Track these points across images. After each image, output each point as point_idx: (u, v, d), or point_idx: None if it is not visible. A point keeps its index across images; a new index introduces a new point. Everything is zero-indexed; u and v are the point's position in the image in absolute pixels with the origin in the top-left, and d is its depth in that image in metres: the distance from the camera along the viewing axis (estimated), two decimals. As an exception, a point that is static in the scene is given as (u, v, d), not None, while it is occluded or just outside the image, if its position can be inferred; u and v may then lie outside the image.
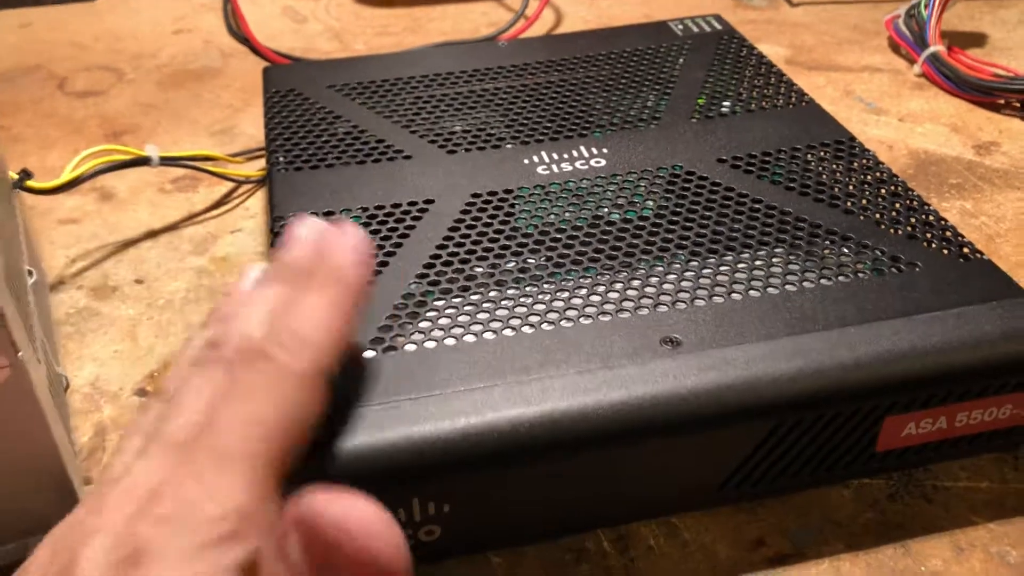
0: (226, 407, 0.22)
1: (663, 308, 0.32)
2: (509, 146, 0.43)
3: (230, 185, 0.51)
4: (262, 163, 0.52)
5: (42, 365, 0.31)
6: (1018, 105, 0.56)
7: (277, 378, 0.23)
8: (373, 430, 0.28)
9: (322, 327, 0.24)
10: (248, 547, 0.20)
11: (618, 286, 0.34)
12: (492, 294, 0.34)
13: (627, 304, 0.33)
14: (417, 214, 0.38)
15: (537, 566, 0.31)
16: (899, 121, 0.56)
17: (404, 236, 0.37)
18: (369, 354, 0.31)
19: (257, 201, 0.50)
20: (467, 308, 0.33)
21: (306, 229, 0.26)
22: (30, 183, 0.41)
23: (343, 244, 0.26)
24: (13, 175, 0.40)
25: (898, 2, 0.66)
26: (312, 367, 0.24)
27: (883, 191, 0.39)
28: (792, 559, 0.31)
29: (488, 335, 0.32)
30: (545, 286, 0.34)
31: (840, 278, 0.34)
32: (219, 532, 0.20)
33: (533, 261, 0.35)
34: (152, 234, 0.48)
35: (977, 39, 0.65)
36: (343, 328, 0.25)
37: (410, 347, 0.31)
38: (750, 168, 0.40)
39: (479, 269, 0.35)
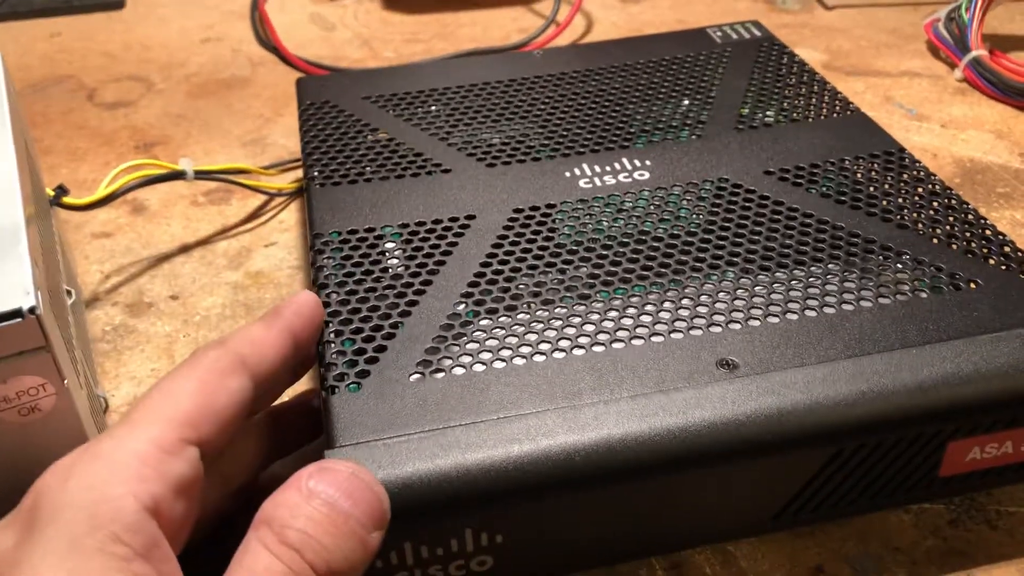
0: None
1: (717, 328, 0.32)
2: (549, 159, 0.42)
3: (263, 197, 0.51)
4: (295, 175, 0.52)
5: (83, 388, 0.31)
6: (1064, 111, 0.55)
7: None
8: (423, 458, 0.27)
9: None
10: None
11: (669, 305, 0.33)
12: (540, 313, 0.33)
13: (680, 324, 0.32)
14: (459, 230, 0.37)
15: (589, 595, 0.30)
16: (941, 127, 0.55)
17: (447, 253, 0.36)
18: (416, 377, 0.30)
19: (291, 213, 0.50)
20: (515, 328, 0.32)
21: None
22: (66, 199, 0.40)
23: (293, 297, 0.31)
24: (49, 192, 0.39)
25: (936, 4, 0.65)
26: None
27: (936, 204, 0.38)
28: (852, 588, 0.30)
29: (538, 357, 0.31)
30: (594, 305, 0.33)
31: (898, 296, 0.33)
32: None
33: (579, 278, 0.34)
34: (186, 248, 0.47)
35: (1019, 42, 0.64)
36: (278, 346, 0.29)
37: (458, 370, 0.30)
38: (798, 180, 0.39)
39: (524, 287, 0.34)
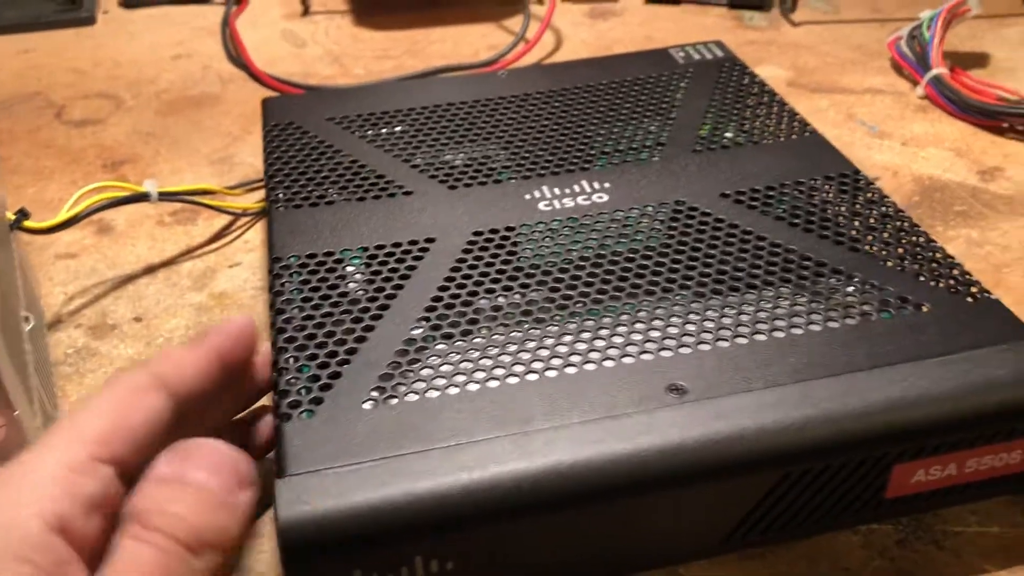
0: None
1: (667, 353, 0.32)
2: (511, 180, 0.43)
3: (229, 217, 0.51)
4: (261, 194, 0.52)
5: (37, 415, 0.31)
6: (1022, 129, 0.56)
7: None
8: (374, 486, 0.27)
9: None
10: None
11: (622, 329, 0.33)
12: (496, 337, 0.33)
13: (631, 349, 0.32)
14: (418, 253, 0.38)
15: (542, 618, 0.30)
16: (902, 145, 0.56)
17: (405, 277, 0.36)
18: (369, 405, 0.30)
19: (256, 233, 0.50)
20: (470, 353, 0.32)
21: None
22: (28, 223, 0.40)
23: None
24: (10, 215, 0.40)
25: (901, 22, 0.66)
26: None
27: (889, 227, 0.38)
28: (801, 609, 0.30)
29: (492, 383, 0.31)
30: (548, 328, 0.33)
31: (847, 320, 0.33)
32: None
33: (536, 301, 0.35)
34: (151, 269, 0.47)
35: (980, 59, 0.65)
36: (201, 365, 0.29)
37: (412, 397, 0.31)
38: (753, 203, 0.40)
39: (482, 311, 0.35)
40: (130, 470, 0.25)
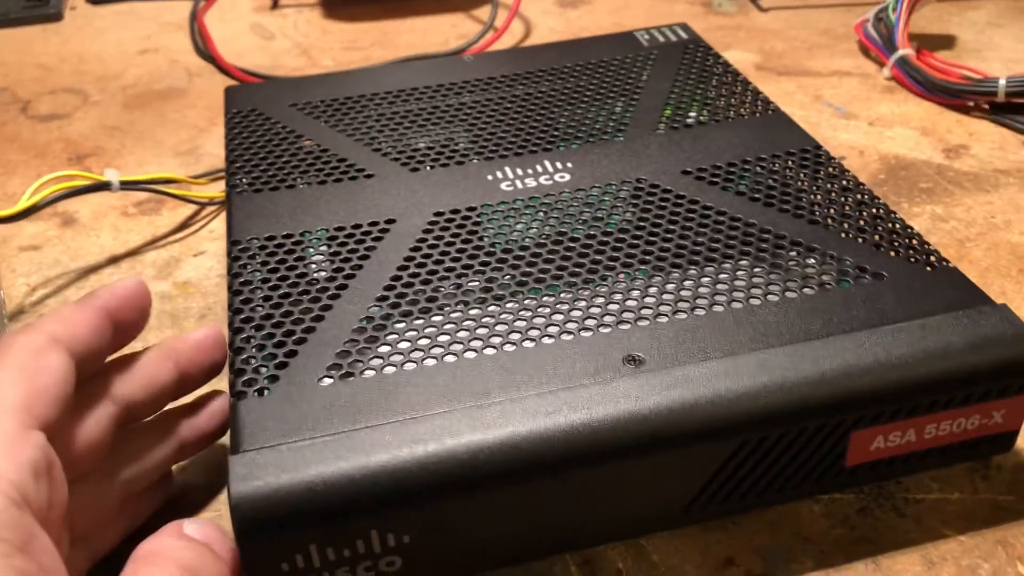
0: None
1: (625, 326, 0.32)
2: (473, 162, 0.42)
3: (194, 207, 0.50)
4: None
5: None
6: (987, 107, 0.56)
7: None
8: (327, 460, 0.27)
9: None
10: None
11: (581, 304, 0.33)
12: (455, 315, 0.33)
13: (589, 322, 0.32)
14: (378, 235, 0.38)
15: (503, 593, 0.30)
16: (869, 125, 0.56)
17: (364, 258, 0.36)
18: (326, 382, 0.30)
19: (221, 223, 0.50)
20: (428, 330, 0.32)
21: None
22: (-16, 212, 0.40)
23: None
24: (-34, 204, 0.39)
25: (869, 5, 0.66)
26: None
27: (849, 200, 0.39)
28: (762, 578, 0.30)
29: (449, 358, 0.31)
30: (508, 305, 0.33)
31: (805, 290, 0.33)
32: None
33: (496, 280, 0.35)
34: (115, 259, 0.47)
35: (946, 41, 0.65)
36: (92, 321, 0.29)
37: (368, 373, 0.31)
38: (715, 179, 0.40)
39: (441, 290, 0.34)
40: (53, 431, 0.25)
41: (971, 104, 0.57)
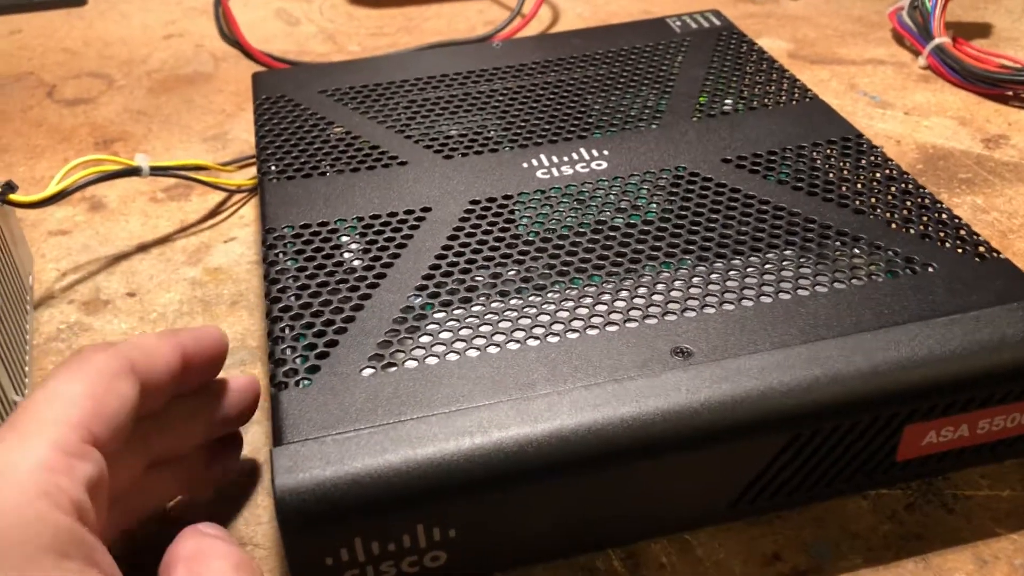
0: None
1: (672, 317, 0.31)
2: (507, 149, 0.42)
3: (223, 194, 0.50)
4: (255, 171, 0.51)
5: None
6: (1026, 96, 0.55)
7: None
8: (373, 453, 0.27)
9: None
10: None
11: (624, 294, 0.33)
12: (495, 305, 0.32)
13: (634, 313, 0.32)
14: (414, 223, 0.37)
15: (546, 587, 0.30)
16: (905, 115, 0.55)
17: (401, 246, 0.36)
18: (368, 372, 0.30)
19: (251, 209, 0.49)
20: (469, 320, 0.32)
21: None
22: (13, 196, 0.39)
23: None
24: (-5, 189, 0.39)
25: (900, -7, 0.65)
26: None
27: (893, 189, 0.38)
28: (809, 575, 0.30)
29: (492, 349, 0.30)
30: (549, 295, 0.33)
31: (853, 281, 0.33)
32: None
33: (536, 269, 0.34)
34: (144, 245, 0.47)
35: (982, 29, 0.64)
36: (169, 359, 0.28)
37: (411, 364, 0.30)
38: (756, 168, 0.39)
39: (480, 279, 0.34)
40: (106, 457, 0.24)
41: (1010, 93, 0.56)
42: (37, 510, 0.21)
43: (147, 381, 0.27)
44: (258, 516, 0.32)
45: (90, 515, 0.22)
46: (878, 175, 0.39)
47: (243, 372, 0.38)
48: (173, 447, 0.30)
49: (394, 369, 0.30)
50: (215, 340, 0.30)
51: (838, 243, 0.35)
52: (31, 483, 0.21)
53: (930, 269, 0.33)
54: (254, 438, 0.35)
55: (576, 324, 0.31)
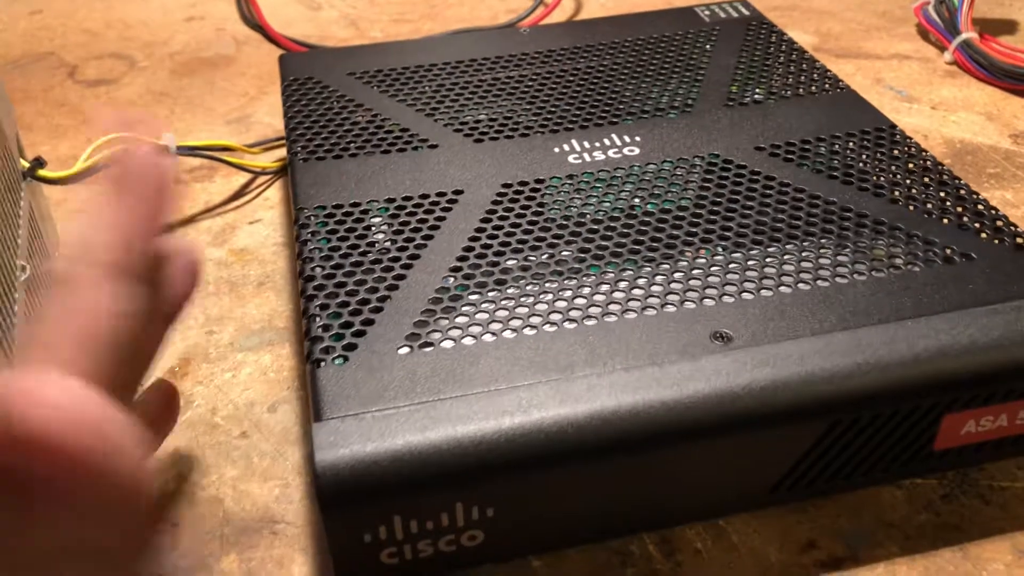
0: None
1: (710, 302, 0.31)
2: (538, 134, 0.42)
3: (247, 175, 0.50)
4: (280, 153, 0.51)
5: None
6: (1054, 92, 0.55)
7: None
8: (415, 430, 0.26)
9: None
10: None
11: (661, 279, 0.32)
12: (530, 288, 0.32)
13: (672, 298, 0.31)
14: (447, 205, 0.37)
15: (580, 570, 0.30)
16: (932, 109, 0.55)
17: (435, 228, 0.35)
18: (404, 351, 0.29)
19: (276, 191, 0.49)
20: (504, 302, 0.32)
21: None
22: (42, 172, 0.39)
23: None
24: (24, 163, 0.39)
25: (925, -12, 0.64)
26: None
27: (928, 179, 0.38)
28: (846, 563, 0.30)
29: (529, 331, 0.30)
30: (584, 279, 0.33)
31: (892, 270, 0.32)
32: None
33: (569, 254, 0.34)
34: (169, 226, 0.46)
35: (1009, 26, 0.64)
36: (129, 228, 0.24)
37: (447, 343, 0.30)
38: (789, 156, 0.39)
39: (513, 262, 0.34)
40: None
41: (1037, 89, 0.55)
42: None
43: (133, 266, 0.23)
44: (289, 495, 0.32)
45: None
46: (912, 165, 0.38)
47: (271, 353, 0.38)
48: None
49: (431, 349, 0.30)
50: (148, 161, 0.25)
51: (874, 232, 0.34)
52: None
53: (969, 259, 0.33)
54: (283, 417, 0.35)
55: (613, 308, 0.31)
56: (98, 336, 0.22)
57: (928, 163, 0.38)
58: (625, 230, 0.35)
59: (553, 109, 0.44)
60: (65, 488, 0.18)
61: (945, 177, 0.38)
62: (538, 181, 0.38)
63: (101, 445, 0.18)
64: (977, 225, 0.35)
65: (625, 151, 0.40)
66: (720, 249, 0.34)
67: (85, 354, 0.22)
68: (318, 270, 0.33)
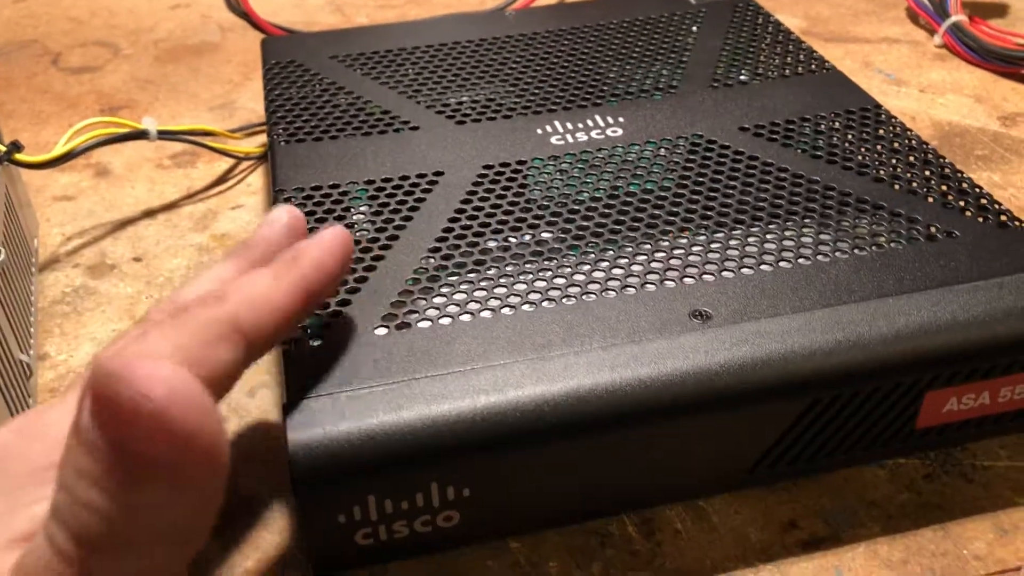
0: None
1: (690, 280, 0.31)
2: (521, 116, 0.41)
3: (230, 161, 0.49)
4: (263, 139, 0.51)
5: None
6: (1043, 74, 0.54)
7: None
8: (389, 409, 0.26)
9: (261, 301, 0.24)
10: None
11: (641, 259, 0.32)
12: (509, 268, 0.32)
13: (652, 277, 0.31)
14: (427, 187, 0.36)
15: (559, 551, 0.29)
16: (920, 92, 0.55)
17: (414, 209, 0.35)
18: (381, 331, 0.29)
19: (258, 177, 0.49)
20: (483, 283, 0.31)
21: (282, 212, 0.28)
22: (19, 156, 0.39)
23: (317, 238, 0.27)
24: (0, 147, 0.38)
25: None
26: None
27: (912, 158, 0.37)
28: (827, 542, 0.29)
29: (506, 311, 0.30)
30: (565, 260, 0.32)
31: (874, 248, 0.32)
32: None
33: (550, 235, 0.34)
34: (150, 211, 0.46)
35: (998, 9, 0.64)
36: (288, 310, 0.25)
37: (424, 324, 0.29)
38: (774, 136, 0.39)
39: (493, 243, 0.33)
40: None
41: (1027, 71, 0.55)
42: None
43: (255, 342, 0.23)
44: (267, 478, 0.32)
45: None
46: (897, 145, 0.38)
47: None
48: None
49: (407, 329, 0.29)
50: (340, 248, 0.26)
51: (858, 211, 0.34)
52: None
53: (952, 237, 0.32)
54: (262, 402, 0.35)
55: (592, 287, 0.31)
56: (205, 361, 0.22)
57: (913, 142, 0.38)
58: (607, 211, 0.35)
59: (536, 91, 0.43)
60: (175, 468, 0.18)
61: (930, 156, 0.37)
62: (519, 162, 0.38)
63: (210, 428, 0.18)
64: (961, 203, 0.34)
65: (608, 132, 0.40)
66: (702, 229, 0.33)
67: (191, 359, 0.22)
68: (296, 251, 0.33)
